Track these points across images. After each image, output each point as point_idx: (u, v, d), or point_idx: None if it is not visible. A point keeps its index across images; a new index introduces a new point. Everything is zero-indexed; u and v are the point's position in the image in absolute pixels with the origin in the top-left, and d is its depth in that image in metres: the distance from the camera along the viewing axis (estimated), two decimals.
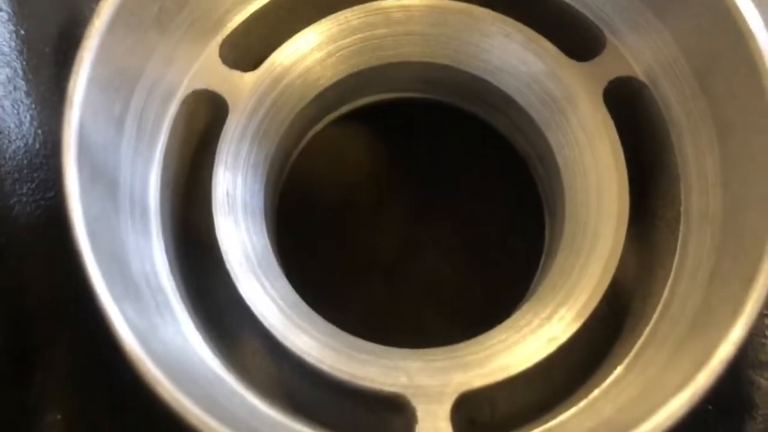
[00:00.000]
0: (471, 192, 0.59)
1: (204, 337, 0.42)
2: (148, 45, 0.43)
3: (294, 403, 0.43)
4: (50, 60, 0.50)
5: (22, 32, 0.49)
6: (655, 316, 0.41)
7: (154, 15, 0.43)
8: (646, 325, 0.41)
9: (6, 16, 0.48)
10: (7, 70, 0.48)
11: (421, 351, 0.43)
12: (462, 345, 0.43)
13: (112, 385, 0.43)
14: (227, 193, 0.45)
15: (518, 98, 0.48)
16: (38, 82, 0.49)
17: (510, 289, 0.53)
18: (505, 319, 0.44)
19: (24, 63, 0.49)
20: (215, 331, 0.44)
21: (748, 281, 0.35)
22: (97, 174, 0.39)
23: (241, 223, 0.45)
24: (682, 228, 0.43)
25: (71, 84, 0.38)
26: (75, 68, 0.39)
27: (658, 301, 0.42)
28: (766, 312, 0.43)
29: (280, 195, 0.54)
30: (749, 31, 0.38)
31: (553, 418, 0.41)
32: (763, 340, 0.45)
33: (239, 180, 0.45)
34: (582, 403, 0.41)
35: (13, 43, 0.49)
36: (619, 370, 0.41)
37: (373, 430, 0.41)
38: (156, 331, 0.39)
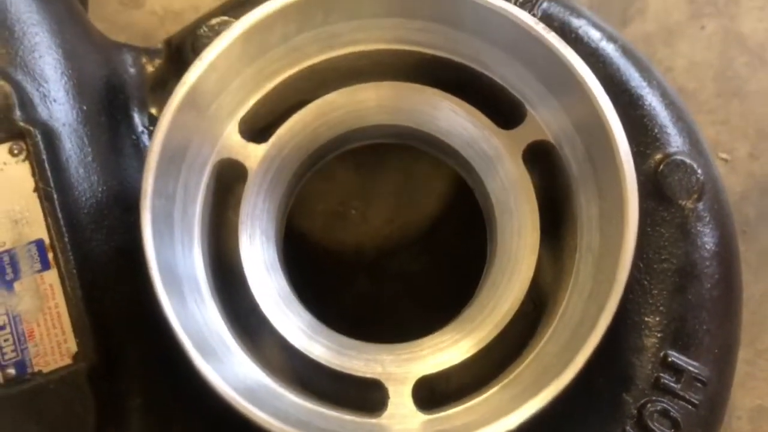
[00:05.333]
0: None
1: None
2: (193, 126, 0.59)
3: (302, 383, 0.61)
4: (105, 126, 0.66)
5: (84, 108, 0.65)
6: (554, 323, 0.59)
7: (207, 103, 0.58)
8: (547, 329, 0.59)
9: (71, 100, 0.63)
10: (76, 139, 0.63)
11: (391, 346, 0.61)
12: (421, 342, 0.61)
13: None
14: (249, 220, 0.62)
15: (463, 152, 0.64)
16: (99, 148, 0.64)
17: (467, 282, 0.70)
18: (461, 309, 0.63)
19: (88, 133, 0.64)
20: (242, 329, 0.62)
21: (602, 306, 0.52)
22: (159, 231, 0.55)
23: (257, 244, 0.62)
24: (577, 255, 0.60)
25: (148, 161, 0.54)
26: (151, 147, 0.55)
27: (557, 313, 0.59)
28: None
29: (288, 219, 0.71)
30: (606, 119, 0.55)
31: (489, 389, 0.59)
32: None
33: (258, 212, 0.63)
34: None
35: (80, 118, 0.64)
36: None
37: (359, 402, 0.59)
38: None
